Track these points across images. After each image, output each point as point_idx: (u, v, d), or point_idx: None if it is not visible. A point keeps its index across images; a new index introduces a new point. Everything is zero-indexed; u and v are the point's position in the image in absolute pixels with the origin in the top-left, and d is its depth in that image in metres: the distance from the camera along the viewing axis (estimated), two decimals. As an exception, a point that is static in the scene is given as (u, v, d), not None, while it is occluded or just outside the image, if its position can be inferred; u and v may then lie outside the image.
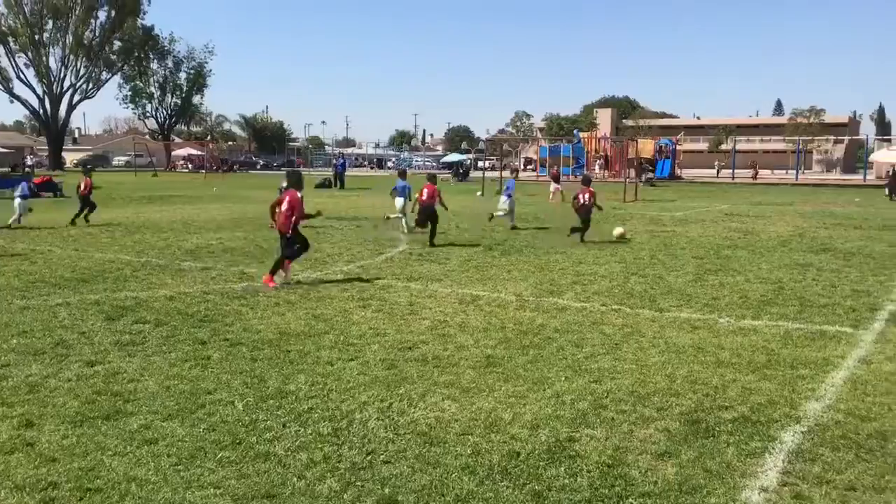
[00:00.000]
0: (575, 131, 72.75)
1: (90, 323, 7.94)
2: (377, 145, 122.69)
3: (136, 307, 8.72)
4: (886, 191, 35.46)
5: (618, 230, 16.44)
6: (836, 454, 4.67)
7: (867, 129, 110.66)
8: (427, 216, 15.36)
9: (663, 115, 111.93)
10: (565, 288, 10.29)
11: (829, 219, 22.30)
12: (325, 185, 41.79)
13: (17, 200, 17.89)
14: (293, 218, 10.23)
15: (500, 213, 19.04)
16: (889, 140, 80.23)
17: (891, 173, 38.32)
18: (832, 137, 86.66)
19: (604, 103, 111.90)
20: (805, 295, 9.88)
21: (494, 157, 71.42)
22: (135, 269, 11.54)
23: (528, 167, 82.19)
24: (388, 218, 18.45)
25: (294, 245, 10.40)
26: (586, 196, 16.22)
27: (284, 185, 12.00)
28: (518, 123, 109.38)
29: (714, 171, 67.94)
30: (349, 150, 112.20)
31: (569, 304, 9.19)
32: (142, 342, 7.20)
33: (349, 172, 54.00)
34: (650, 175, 49.55)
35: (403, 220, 17.62)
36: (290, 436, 4.89)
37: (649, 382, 6.07)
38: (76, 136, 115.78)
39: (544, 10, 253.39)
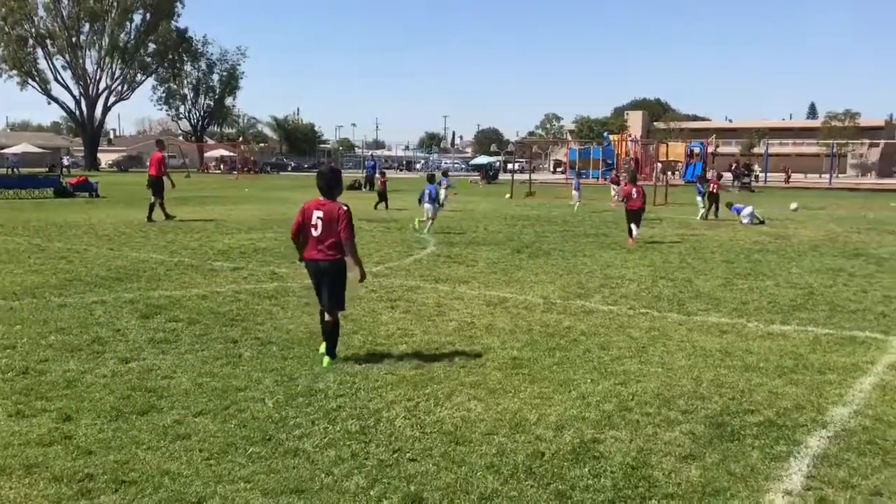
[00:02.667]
0: (605, 133, 72.48)
1: (125, 321, 8.12)
2: (407, 147, 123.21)
3: (170, 306, 8.90)
4: (923, 195, 34.86)
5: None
6: (863, 459, 4.66)
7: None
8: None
9: (695, 118, 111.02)
10: (593, 291, 10.31)
11: (863, 223, 22.02)
12: (354, 187, 42.01)
13: (427, 205, 17.65)
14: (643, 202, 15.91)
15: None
16: (927, 143, 78.83)
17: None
18: (867, 141, 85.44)
19: (635, 105, 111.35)
20: (835, 300, 9.80)
21: (524, 160, 71.31)
22: (168, 268, 11.75)
23: (558, 170, 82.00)
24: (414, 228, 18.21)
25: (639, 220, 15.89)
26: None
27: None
28: (548, 125, 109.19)
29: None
30: (379, 152, 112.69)
31: (596, 308, 9.20)
32: (175, 340, 7.35)
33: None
34: (747, 179, 48.22)
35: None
36: (319, 433, 4.99)
37: (675, 385, 6.09)
38: (111, 137, 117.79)
39: (575, 11, 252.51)
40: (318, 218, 6.35)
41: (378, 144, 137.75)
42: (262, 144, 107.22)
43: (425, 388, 5.93)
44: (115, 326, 7.85)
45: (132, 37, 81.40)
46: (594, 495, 4.15)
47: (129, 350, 6.96)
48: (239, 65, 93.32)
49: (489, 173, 59.39)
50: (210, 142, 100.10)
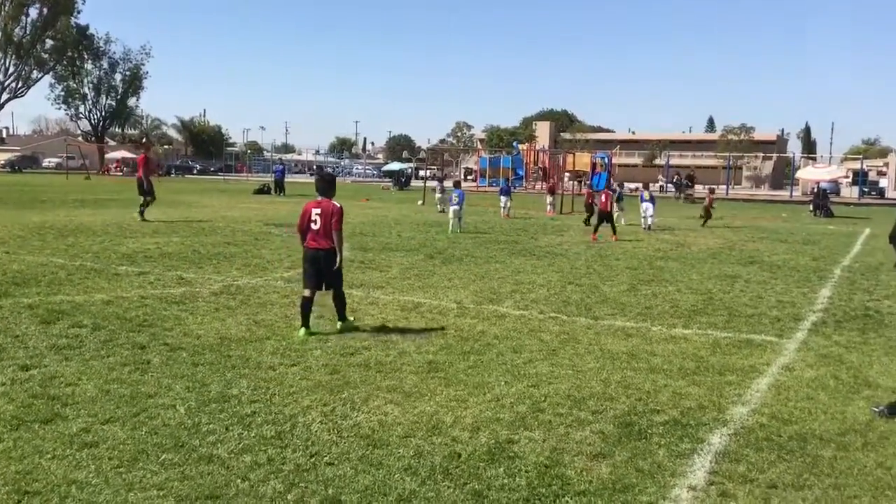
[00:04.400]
0: (514, 143, 73.66)
1: (24, 326, 7.78)
2: (317, 152, 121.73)
3: (73, 311, 8.57)
4: (811, 207, 36.86)
5: None
6: (760, 455, 4.92)
7: (794, 147, 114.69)
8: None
9: (599, 130, 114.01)
10: (504, 296, 10.49)
11: (758, 233, 23.13)
12: (263, 191, 41.40)
13: (454, 208, 20.55)
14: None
15: None
16: (814, 158, 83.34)
17: (815, 190, 39.92)
18: (761, 154, 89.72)
19: (542, 116, 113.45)
20: (733, 305, 10.27)
21: (435, 167, 71.70)
22: (69, 272, 11.30)
23: (469, 178, 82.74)
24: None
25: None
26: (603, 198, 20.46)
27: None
28: (459, 134, 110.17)
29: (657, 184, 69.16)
30: (289, 157, 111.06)
31: (508, 312, 9.37)
32: (79, 346, 7.09)
33: (289, 178, 53.56)
34: (690, 192, 49.83)
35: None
36: (234, 439, 4.92)
37: (585, 387, 6.27)
38: (4, 135, 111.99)
39: (486, 21, 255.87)
40: (317, 214, 7.67)
41: (288, 148, 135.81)
42: (166, 146, 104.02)
43: (341, 392, 5.93)
44: (13, 333, 7.51)
45: (28, 31, 77.78)
46: (510, 494, 4.24)
47: (29, 357, 6.67)
48: (143, 64, 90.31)
49: (401, 180, 59.49)
50: (111, 143, 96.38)
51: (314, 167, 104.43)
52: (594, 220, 21.10)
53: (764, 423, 5.54)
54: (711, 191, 28.80)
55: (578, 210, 31.33)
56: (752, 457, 4.88)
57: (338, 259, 7.70)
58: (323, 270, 7.75)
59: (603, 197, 20.59)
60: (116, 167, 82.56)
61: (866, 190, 60.55)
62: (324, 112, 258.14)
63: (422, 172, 66.89)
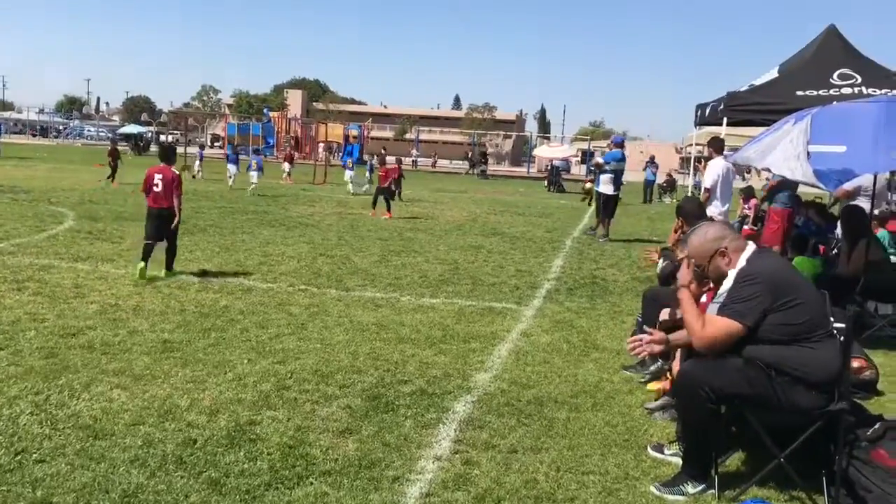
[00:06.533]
0: (265, 110, 71.66)
1: None
2: (41, 111, 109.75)
3: None
4: (546, 183, 39.70)
5: None
6: (502, 420, 5.05)
7: (532, 127, 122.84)
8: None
9: (352, 102, 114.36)
10: (252, 268, 10.03)
11: (499, 206, 24.38)
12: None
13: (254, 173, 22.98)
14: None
15: None
16: (548, 138, 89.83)
17: (549, 167, 43.02)
18: (502, 133, 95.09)
19: (295, 84, 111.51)
20: (477, 274, 10.65)
21: (178, 132, 67.88)
22: None
23: (216, 144, 79.26)
24: None
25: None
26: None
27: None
28: (205, 97, 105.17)
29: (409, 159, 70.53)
30: (6, 114, 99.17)
31: (255, 285, 8.95)
32: None
33: (6, 139, 47.82)
34: (483, 167, 51.24)
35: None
36: (-84, 440, 4.14)
37: (333, 361, 6.11)
38: None
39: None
40: (160, 179, 8.98)
41: (5, 105, 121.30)
42: None
43: (58, 378, 5.25)
44: None
45: None
46: (250, 480, 3.96)
47: None
48: None
49: (139, 144, 55.49)
50: None
51: (38, 127, 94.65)
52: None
53: (505, 388, 5.71)
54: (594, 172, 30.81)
55: (331, 181, 31.14)
56: (495, 423, 4.99)
57: (176, 219, 9.14)
58: (163, 226, 9.02)
59: (385, 172, 19.32)
60: None
61: (592, 168, 66.23)
62: (49, 67, 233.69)
63: (163, 137, 62.83)
